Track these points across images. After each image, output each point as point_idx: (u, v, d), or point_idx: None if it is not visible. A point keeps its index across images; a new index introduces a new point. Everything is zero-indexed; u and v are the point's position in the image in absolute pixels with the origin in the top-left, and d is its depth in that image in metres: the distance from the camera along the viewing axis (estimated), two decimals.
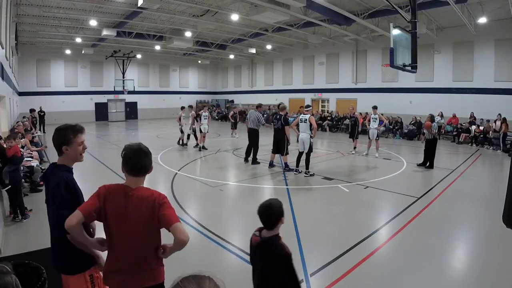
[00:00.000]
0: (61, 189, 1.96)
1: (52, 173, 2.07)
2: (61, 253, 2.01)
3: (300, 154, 8.52)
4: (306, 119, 8.34)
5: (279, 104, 9.34)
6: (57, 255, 2.04)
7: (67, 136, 2.04)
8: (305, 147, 8.34)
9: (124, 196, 1.85)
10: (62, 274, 2.04)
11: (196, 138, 12.76)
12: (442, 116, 16.18)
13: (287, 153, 8.80)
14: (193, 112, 12.89)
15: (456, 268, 3.95)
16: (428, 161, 9.31)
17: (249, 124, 9.72)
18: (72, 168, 2.14)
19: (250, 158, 9.79)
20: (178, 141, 13.07)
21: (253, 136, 9.65)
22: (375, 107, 11.22)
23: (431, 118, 9.36)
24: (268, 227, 2.02)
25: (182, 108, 13.48)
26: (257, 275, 2.07)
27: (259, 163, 9.55)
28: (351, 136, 11.91)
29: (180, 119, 12.88)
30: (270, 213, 2.00)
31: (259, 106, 10.41)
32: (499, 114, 13.72)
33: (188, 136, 13.02)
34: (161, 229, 1.89)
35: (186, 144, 12.91)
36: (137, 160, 1.88)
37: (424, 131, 9.59)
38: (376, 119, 10.95)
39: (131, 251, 1.85)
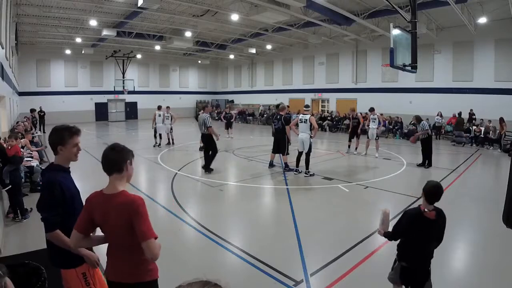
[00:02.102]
0: (43, 191, 2.04)
1: (46, 171, 2.15)
2: (52, 248, 2.08)
3: (300, 154, 8.52)
4: (307, 119, 8.33)
5: (278, 104, 9.32)
6: (49, 250, 2.12)
7: (63, 136, 2.08)
8: (304, 147, 8.34)
9: (103, 204, 1.85)
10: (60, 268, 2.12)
11: (156, 137, 12.95)
12: (441, 116, 16.20)
13: (287, 153, 8.79)
14: (156, 112, 12.99)
15: (456, 268, 3.95)
16: (427, 160, 9.33)
17: (200, 129, 8.78)
18: (68, 167, 2.17)
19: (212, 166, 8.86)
20: (168, 142, 13.20)
21: (206, 142, 8.73)
22: (371, 109, 11.24)
23: (418, 119, 9.38)
24: (432, 202, 2.61)
25: (159, 107, 13.41)
26: (432, 241, 2.67)
27: (211, 170, 8.60)
28: (351, 137, 11.82)
29: (154, 119, 12.94)
30: (441, 192, 2.60)
31: (205, 107, 9.21)
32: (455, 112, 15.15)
33: (160, 136, 13.04)
34: None
35: (169, 144, 13.08)
36: (106, 155, 1.88)
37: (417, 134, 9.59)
38: (375, 119, 10.99)
39: (122, 250, 1.89)
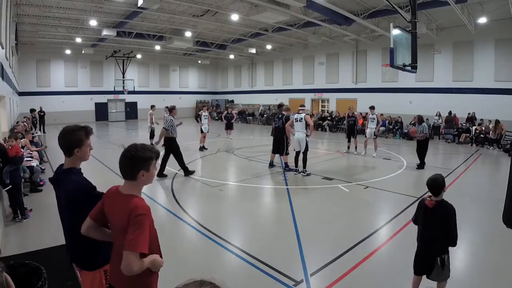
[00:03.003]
0: (82, 195, 1.98)
1: (65, 177, 2.05)
2: (80, 252, 2.05)
3: (298, 153, 8.52)
4: (302, 118, 8.34)
5: (281, 104, 9.32)
6: (76, 254, 2.09)
7: (81, 138, 2.05)
8: (301, 146, 8.33)
9: (113, 200, 1.82)
10: (80, 269, 2.11)
11: (151, 137, 12.81)
12: (440, 116, 16.22)
13: (287, 153, 8.78)
14: (150, 111, 12.95)
15: (456, 268, 3.94)
16: (422, 161, 9.28)
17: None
18: (80, 168, 2.15)
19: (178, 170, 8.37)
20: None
21: (169, 146, 8.05)
22: (372, 107, 11.23)
23: (420, 119, 9.30)
24: (436, 194, 2.87)
25: (152, 106, 13.26)
26: (432, 229, 2.87)
27: (193, 172, 8.25)
28: (349, 136, 11.81)
29: (152, 119, 12.85)
30: (437, 185, 2.85)
31: (172, 109, 8.44)
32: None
33: (152, 136, 12.90)
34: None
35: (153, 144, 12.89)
36: (120, 161, 1.79)
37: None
38: (373, 119, 10.99)
39: (118, 253, 1.82)
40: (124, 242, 1.65)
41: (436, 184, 2.86)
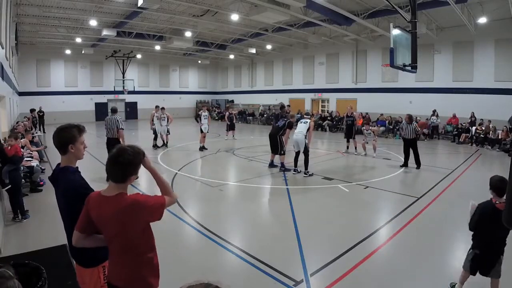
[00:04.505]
0: (76, 194, 2.00)
1: (61, 175, 2.09)
2: (80, 250, 2.06)
3: (297, 154, 8.54)
4: (307, 121, 8.45)
5: (284, 107, 9.33)
6: (75, 251, 2.10)
7: (74, 134, 2.09)
8: (300, 147, 8.37)
9: (99, 205, 1.81)
10: (78, 265, 2.14)
11: (155, 138, 12.59)
12: (437, 116, 16.23)
13: (283, 153, 8.78)
14: (153, 112, 12.68)
15: (456, 268, 3.93)
16: (414, 161, 9.24)
17: (109, 133, 7.83)
18: (77, 167, 2.18)
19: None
20: (154, 145, 12.48)
21: (113, 147, 7.73)
22: (366, 123, 11.32)
23: (410, 118, 9.27)
24: (501, 195, 2.93)
25: (157, 107, 12.92)
26: (503, 230, 2.83)
27: None
28: (348, 137, 11.86)
29: (152, 120, 12.59)
30: (505, 186, 2.79)
31: (115, 111, 8.17)
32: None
33: (156, 136, 12.66)
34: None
35: (158, 146, 12.51)
36: (108, 168, 1.82)
37: (418, 129, 9.35)
38: (369, 134, 11.09)
39: (115, 254, 1.87)
40: (151, 210, 1.82)
41: (504, 185, 2.87)
